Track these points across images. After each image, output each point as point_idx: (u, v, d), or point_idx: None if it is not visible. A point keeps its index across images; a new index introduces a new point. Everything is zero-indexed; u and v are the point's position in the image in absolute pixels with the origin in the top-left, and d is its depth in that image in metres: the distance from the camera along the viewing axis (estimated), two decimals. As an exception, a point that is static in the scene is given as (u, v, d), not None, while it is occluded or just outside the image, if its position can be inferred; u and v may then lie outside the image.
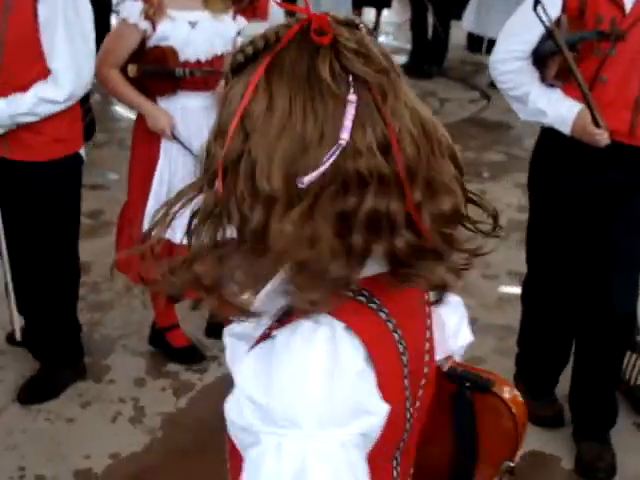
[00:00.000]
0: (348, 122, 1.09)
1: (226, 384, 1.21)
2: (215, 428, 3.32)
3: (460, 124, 6.72)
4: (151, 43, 3.27)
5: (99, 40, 6.39)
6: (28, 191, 3.18)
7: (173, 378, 3.75)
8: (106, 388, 3.66)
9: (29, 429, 3.39)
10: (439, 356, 1.41)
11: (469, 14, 7.69)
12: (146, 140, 3.43)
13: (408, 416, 1.27)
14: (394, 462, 1.34)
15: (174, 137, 3.36)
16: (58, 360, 3.61)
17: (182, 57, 3.28)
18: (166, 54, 3.26)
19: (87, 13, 3.08)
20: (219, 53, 3.36)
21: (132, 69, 3.29)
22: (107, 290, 4.34)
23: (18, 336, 3.43)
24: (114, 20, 7.66)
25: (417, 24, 7.92)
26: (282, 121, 1.10)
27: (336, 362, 1.13)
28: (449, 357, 1.48)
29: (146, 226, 3.38)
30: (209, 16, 3.32)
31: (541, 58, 2.95)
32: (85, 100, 5.71)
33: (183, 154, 3.38)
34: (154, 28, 3.24)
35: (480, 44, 7.94)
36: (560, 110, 2.97)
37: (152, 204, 3.39)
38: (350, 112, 1.09)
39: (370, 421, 1.16)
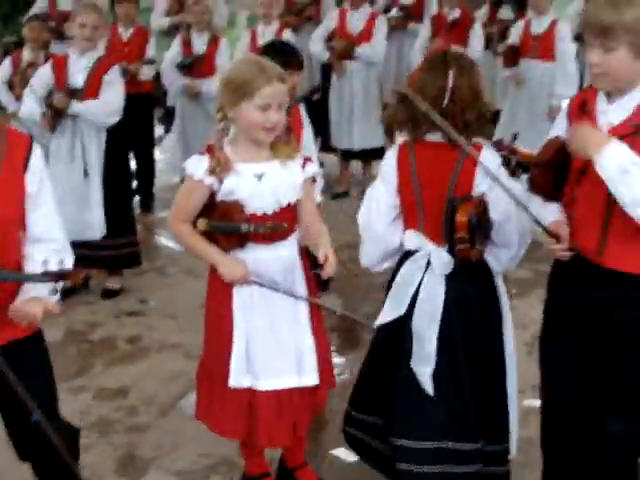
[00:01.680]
0: None
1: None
2: None
3: None
4: (219, 197, 3.27)
5: (144, 176, 6.72)
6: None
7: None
8: (141, 508, 3.74)
9: None
10: None
11: None
12: (220, 293, 3.39)
13: None
14: None
15: (254, 281, 3.32)
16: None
17: (248, 210, 3.26)
18: (232, 209, 3.25)
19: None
20: (285, 204, 3.32)
21: (201, 223, 3.28)
22: (144, 413, 4.45)
23: None
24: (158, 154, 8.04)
25: None
26: None
27: None
28: None
29: (232, 381, 3.37)
30: (277, 166, 3.30)
31: None
32: (132, 232, 5.98)
33: (258, 298, 3.35)
34: (221, 183, 3.25)
35: None
36: None
37: (235, 359, 3.35)
38: None
39: None
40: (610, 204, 2.86)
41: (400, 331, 3.34)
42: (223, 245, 3.31)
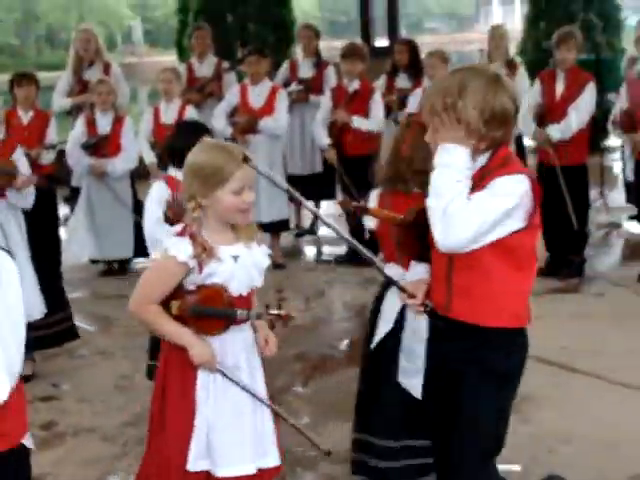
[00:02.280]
0: None
1: None
2: None
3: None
4: (196, 281, 3.24)
5: (50, 257, 6.62)
6: None
7: None
8: None
9: None
10: None
11: None
12: (182, 372, 3.33)
13: None
14: None
15: (218, 370, 3.30)
16: None
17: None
18: (218, 293, 3.23)
19: (17, 298, 2.80)
20: (256, 285, 3.37)
21: (175, 306, 3.24)
22: (63, 501, 4.36)
23: None
24: (63, 233, 7.94)
25: None
26: None
27: None
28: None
29: (190, 466, 3.30)
30: (244, 248, 3.32)
31: None
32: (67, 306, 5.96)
33: (222, 384, 3.32)
34: (200, 269, 3.22)
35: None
36: None
37: (195, 444, 3.30)
38: None
39: None
40: (451, 261, 3.06)
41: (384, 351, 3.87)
42: (204, 329, 3.28)
